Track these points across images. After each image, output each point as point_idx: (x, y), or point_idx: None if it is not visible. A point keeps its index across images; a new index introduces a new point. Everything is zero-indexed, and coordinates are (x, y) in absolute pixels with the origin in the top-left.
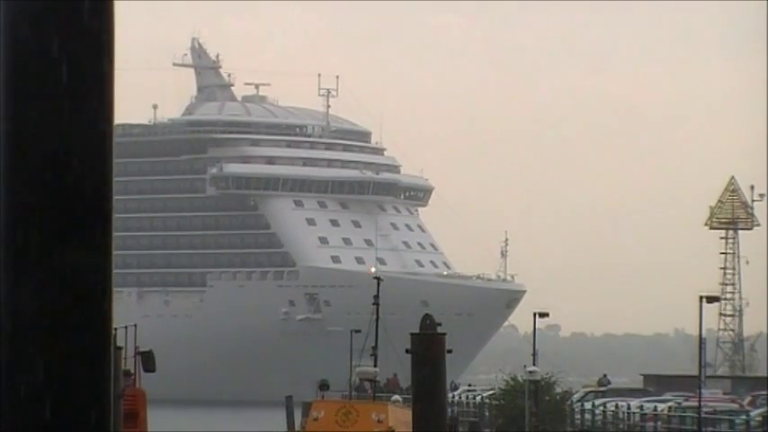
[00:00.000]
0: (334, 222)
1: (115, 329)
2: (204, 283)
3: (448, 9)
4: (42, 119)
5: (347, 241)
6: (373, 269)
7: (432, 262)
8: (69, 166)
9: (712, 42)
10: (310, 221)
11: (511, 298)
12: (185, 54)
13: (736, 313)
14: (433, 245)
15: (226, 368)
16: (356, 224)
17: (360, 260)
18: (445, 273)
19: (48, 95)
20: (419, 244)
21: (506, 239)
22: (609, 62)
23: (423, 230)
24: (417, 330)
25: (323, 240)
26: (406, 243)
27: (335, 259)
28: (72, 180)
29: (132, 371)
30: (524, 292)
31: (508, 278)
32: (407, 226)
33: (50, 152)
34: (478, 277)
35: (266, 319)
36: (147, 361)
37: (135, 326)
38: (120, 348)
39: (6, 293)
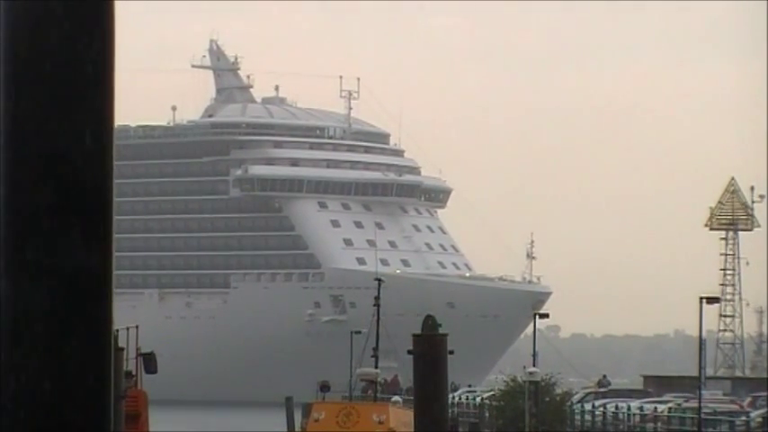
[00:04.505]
0: (358, 224)
1: (116, 330)
2: (227, 284)
3: (448, 10)
4: (42, 119)
5: (371, 243)
6: (398, 271)
7: (454, 263)
8: (69, 165)
9: (712, 42)
10: (335, 223)
11: (537, 300)
12: (204, 56)
13: (737, 314)
14: (454, 246)
15: (248, 369)
16: (379, 226)
17: (384, 262)
18: (467, 274)
19: (48, 95)
20: (441, 245)
21: (532, 241)
22: (608, 62)
23: (443, 232)
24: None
25: (347, 242)
26: (428, 245)
27: (361, 261)
28: (72, 180)
29: (134, 372)
30: (550, 293)
31: (534, 279)
32: (429, 227)
33: (50, 152)
34: (501, 279)
35: (291, 321)
36: (149, 362)
37: (137, 327)
38: (121, 349)
39: (6, 293)
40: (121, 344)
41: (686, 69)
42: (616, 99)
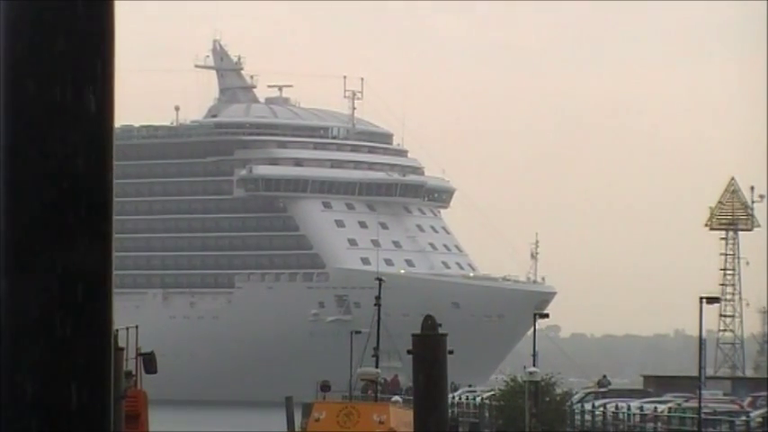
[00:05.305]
0: (363, 224)
1: (116, 330)
2: (231, 284)
3: (452, 10)
4: (42, 119)
5: (375, 243)
6: (403, 271)
7: (457, 263)
8: (69, 166)
9: (712, 42)
10: (339, 223)
11: (541, 300)
12: (207, 56)
13: (737, 314)
14: (458, 246)
15: (251, 369)
16: (383, 226)
17: (389, 262)
18: (471, 274)
19: (48, 95)
20: (445, 246)
21: (537, 241)
22: (608, 62)
23: (447, 232)
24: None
25: (352, 242)
26: (432, 245)
27: (365, 261)
28: (72, 180)
29: (134, 372)
30: (554, 293)
31: (538, 280)
32: (433, 228)
33: (50, 152)
34: (505, 279)
35: (295, 321)
36: (149, 362)
37: (137, 327)
38: (121, 349)
39: (6, 293)
40: (121, 344)
41: (686, 69)
42: (616, 99)
